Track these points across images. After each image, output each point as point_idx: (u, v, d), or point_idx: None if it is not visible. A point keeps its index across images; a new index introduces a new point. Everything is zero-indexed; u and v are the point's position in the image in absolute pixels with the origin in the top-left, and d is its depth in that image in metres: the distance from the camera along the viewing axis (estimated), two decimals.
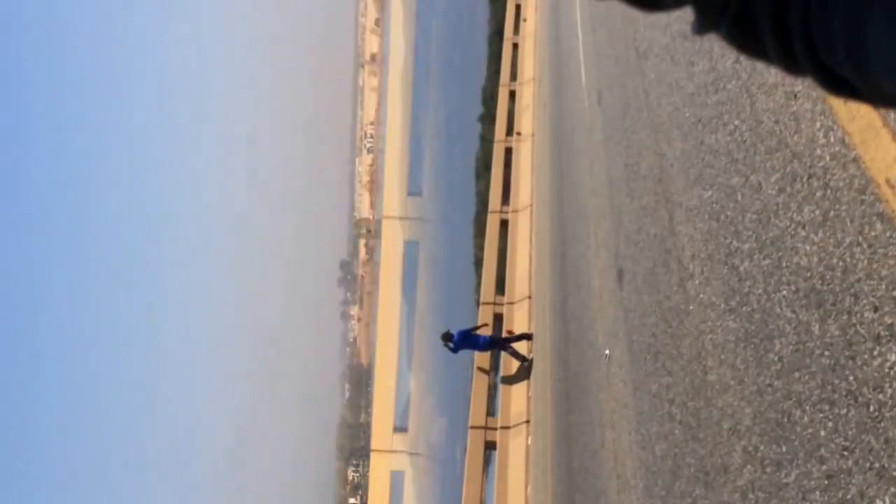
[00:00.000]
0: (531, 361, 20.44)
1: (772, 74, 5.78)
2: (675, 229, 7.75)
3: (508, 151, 32.09)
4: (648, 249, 8.88)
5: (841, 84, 0.83)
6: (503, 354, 21.73)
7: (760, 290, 5.36)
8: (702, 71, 7.59)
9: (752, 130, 5.95)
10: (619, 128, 11.74)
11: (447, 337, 20.84)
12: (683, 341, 7.08)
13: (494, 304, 24.60)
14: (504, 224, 28.30)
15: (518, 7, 41.99)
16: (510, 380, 21.37)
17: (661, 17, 9.66)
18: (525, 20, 39.13)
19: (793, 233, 4.95)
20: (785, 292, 4.96)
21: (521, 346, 21.11)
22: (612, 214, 11.56)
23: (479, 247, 47.48)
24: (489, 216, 30.00)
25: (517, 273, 24.67)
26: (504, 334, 22.02)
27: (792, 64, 0.85)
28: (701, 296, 6.70)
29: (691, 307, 6.93)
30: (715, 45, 7.33)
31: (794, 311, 4.80)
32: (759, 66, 6.02)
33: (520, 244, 25.77)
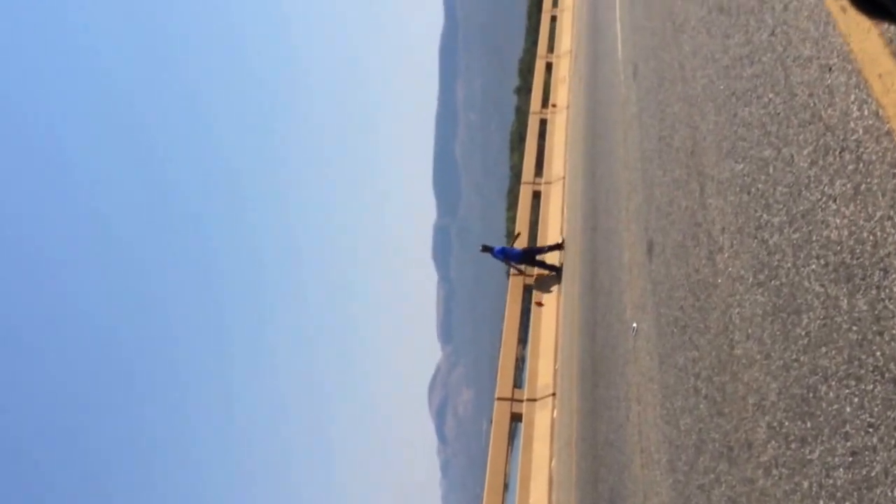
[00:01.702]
0: (561, 268, 22.97)
1: (807, 47, 5.70)
2: (706, 202, 7.69)
3: (543, 123, 32.02)
4: (679, 222, 8.82)
5: None
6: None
7: (789, 264, 5.32)
8: (737, 44, 7.50)
9: (786, 103, 5.88)
10: (654, 100, 11.64)
11: (486, 248, 24.10)
12: (711, 315, 7.04)
13: (524, 275, 24.73)
14: (536, 195, 28.27)
15: None
16: (542, 284, 23.98)
17: None
18: None
19: (824, 206, 4.89)
20: (814, 266, 4.91)
21: (553, 258, 23.90)
22: (643, 187, 11.49)
23: (511, 219, 47.48)
24: (522, 187, 29.98)
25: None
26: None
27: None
28: (730, 269, 6.65)
29: (720, 280, 6.89)
30: (751, 19, 7.24)
31: (822, 286, 4.76)
32: (795, 38, 5.94)
33: (551, 216, 25.77)
